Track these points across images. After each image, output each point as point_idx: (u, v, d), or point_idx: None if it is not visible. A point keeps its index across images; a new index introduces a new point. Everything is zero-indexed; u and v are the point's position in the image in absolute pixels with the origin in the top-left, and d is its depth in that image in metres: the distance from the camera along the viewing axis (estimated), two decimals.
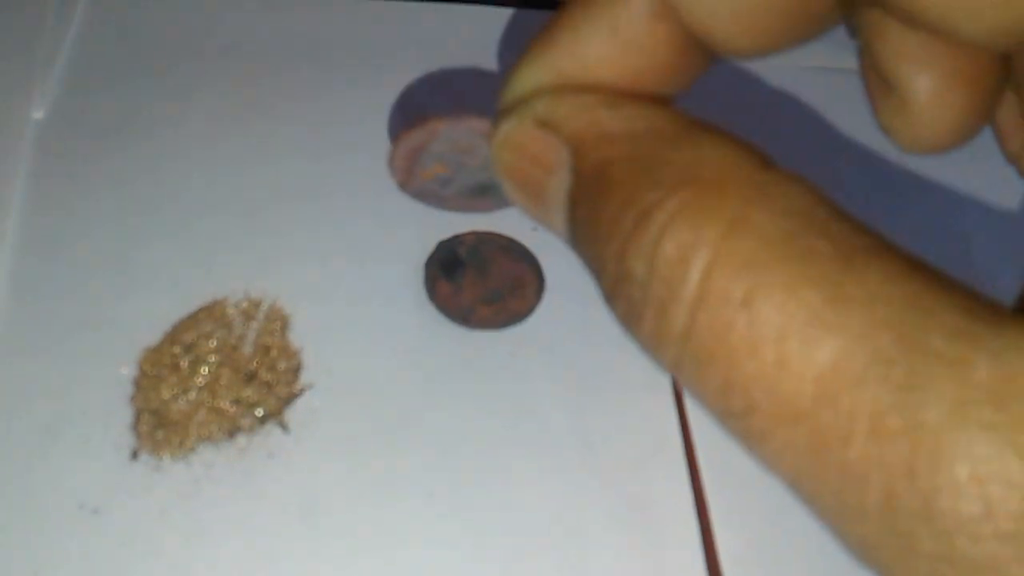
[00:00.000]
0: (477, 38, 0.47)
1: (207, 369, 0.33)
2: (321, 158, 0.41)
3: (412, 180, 0.22)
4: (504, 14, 0.49)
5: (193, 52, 0.45)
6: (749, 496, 0.32)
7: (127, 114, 0.41)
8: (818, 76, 0.47)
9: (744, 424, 0.12)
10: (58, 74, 0.42)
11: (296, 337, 0.35)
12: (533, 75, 0.16)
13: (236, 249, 0.37)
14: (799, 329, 0.11)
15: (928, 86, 0.16)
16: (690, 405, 0.35)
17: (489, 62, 0.47)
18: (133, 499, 0.30)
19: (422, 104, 0.44)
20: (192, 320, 0.34)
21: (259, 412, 0.32)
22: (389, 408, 0.33)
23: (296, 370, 0.34)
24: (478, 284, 0.37)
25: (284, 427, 0.32)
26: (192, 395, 0.32)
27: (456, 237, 0.39)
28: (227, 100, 0.43)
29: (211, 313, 0.35)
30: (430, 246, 0.38)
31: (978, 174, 0.43)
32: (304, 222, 0.39)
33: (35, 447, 0.31)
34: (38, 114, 0.40)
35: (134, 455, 0.31)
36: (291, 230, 0.38)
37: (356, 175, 0.41)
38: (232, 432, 0.32)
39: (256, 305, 0.35)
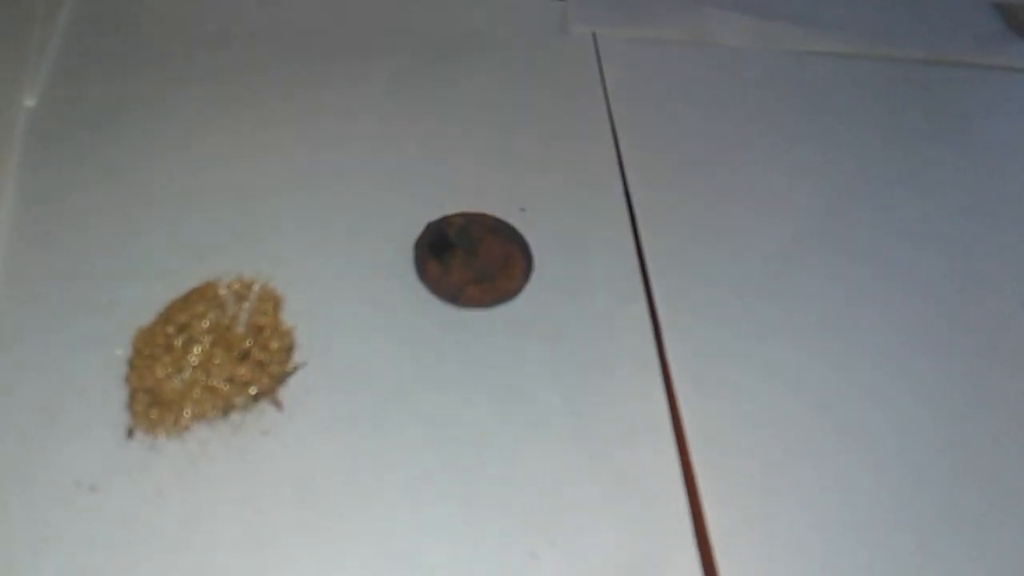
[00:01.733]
0: (507, 28, 0.48)
1: (200, 348, 0.33)
2: (311, 145, 0.41)
3: None
4: (512, 2, 0.49)
5: (184, 40, 0.45)
6: (736, 469, 0.33)
7: (118, 101, 0.42)
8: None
9: None
10: (49, 62, 0.43)
11: (289, 317, 0.35)
12: None
13: (228, 233, 0.38)
14: None
15: None
16: (677, 379, 0.35)
17: (487, 51, 0.47)
18: (130, 477, 0.30)
19: None
20: (185, 301, 0.35)
21: (253, 390, 0.33)
22: (381, 386, 0.34)
23: (289, 349, 0.34)
24: (467, 264, 0.37)
25: (278, 405, 0.33)
26: (186, 374, 0.33)
27: (445, 218, 0.39)
28: (218, 88, 0.43)
29: (203, 294, 0.35)
30: (419, 227, 0.39)
31: None
32: (295, 206, 0.39)
33: (33, 427, 0.31)
34: (30, 102, 0.41)
35: (130, 433, 0.31)
36: (282, 214, 0.39)
37: (346, 159, 0.41)
38: (226, 410, 0.32)
39: (248, 286, 0.36)
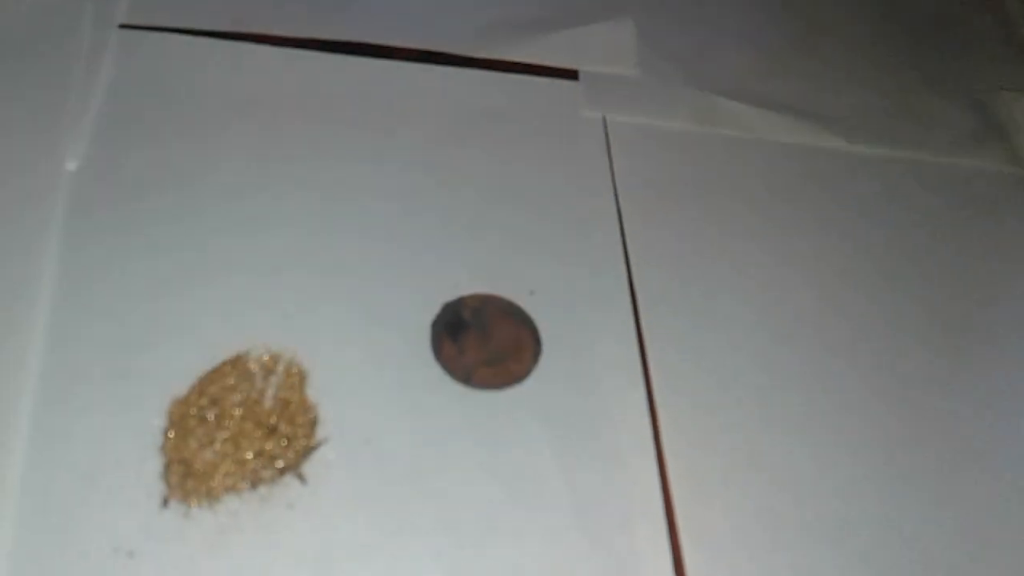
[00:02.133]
0: (523, 108, 0.50)
1: (231, 422, 0.36)
2: (339, 216, 0.44)
3: None
4: (554, 84, 0.52)
5: (219, 104, 0.47)
6: (724, 555, 0.36)
7: (156, 165, 0.44)
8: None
9: None
10: (90, 126, 0.45)
11: (313, 391, 0.38)
12: None
13: (258, 304, 0.40)
14: None
15: None
16: (671, 467, 0.38)
17: (518, 127, 0.50)
18: (165, 544, 0.33)
19: None
20: (217, 373, 0.37)
21: (279, 464, 0.35)
22: (397, 463, 0.36)
23: (313, 424, 0.37)
24: (480, 346, 0.40)
25: (302, 479, 0.35)
26: (218, 446, 0.35)
27: (460, 299, 0.42)
28: (252, 153, 0.46)
29: (235, 366, 0.38)
30: (436, 307, 0.41)
31: None
32: (321, 278, 0.42)
33: (74, 494, 0.34)
34: (71, 166, 0.43)
35: (165, 503, 0.34)
36: (310, 287, 0.41)
37: (371, 235, 0.44)
38: (255, 483, 0.35)
39: (276, 359, 0.38)
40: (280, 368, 0.38)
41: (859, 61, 0.59)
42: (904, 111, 0.56)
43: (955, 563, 0.38)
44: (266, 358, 0.38)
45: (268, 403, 0.37)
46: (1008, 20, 0.66)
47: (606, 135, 0.50)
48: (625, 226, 0.46)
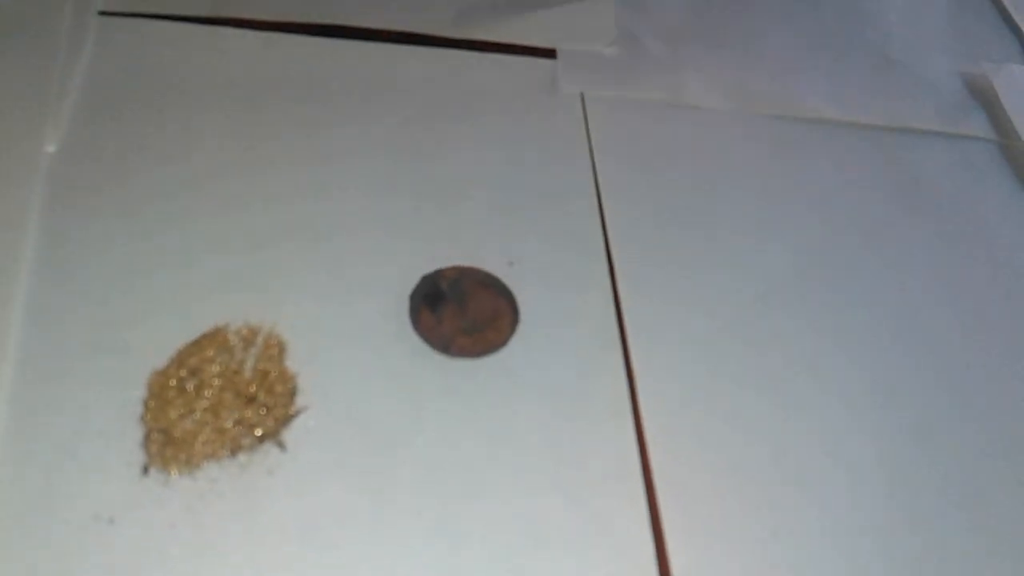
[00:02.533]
0: (501, 87, 0.51)
1: (210, 392, 0.36)
2: (319, 194, 0.44)
3: None
4: (532, 63, 0.53)
5: (199, 87, 0.48)
6: (700, 512, 0.36)
7: (136, 147, 0.45)
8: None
9: None
10: (70, 109, 0.45)
11: (292, 362, 0.38)
12: None
13: (237, 278, 0.41)
14: None
15: None
16: (648, 428, 0.38)
17: (497, 105, 0.50)
18: (145, 511, 0.33)
19: None
20: (196, 345, 0.38)
21: (258, 432, 0.36)
22: (378, 429, 0.37)
23: (292, 393, 0.37)
24: (458, 316, 0.40)
25: (281, 446, 0.36)
26: (197, 415, 0.36)
27: (439, 271, 0.42)
28: (231, 135, 0.46)
29: (214, 339, 0.38)
30: (415, 279, 0.42)
31: None
32: (301, 254, 0.42)
33: (54, 464, 0.34)
34: (51, 148, 0.43)
35: (145, 470, 0.34)
36: (289, 261, 0.42)
37: (347, 209, 0.44)
38: (234, 450, 0.35)
39: (255, 332, 0.39)
40: (259, 340, 0.38)
41: (838, 35, 0.60)
42: (887, 83, 0.57)
43: (940, 511, 0.38)
44: (245, 331, 0.39)
45: (247, 374, 0.37)
46: None
47: (584, 111, 0.51)
48: (603, 198, 0.47)
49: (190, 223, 0.42)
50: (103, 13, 0.50)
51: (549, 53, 0.53)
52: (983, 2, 0.66)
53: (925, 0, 0.65)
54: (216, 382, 0.36)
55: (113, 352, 0.37)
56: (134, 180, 0.43)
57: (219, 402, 0.36)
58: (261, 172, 0.45)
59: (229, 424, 0.36)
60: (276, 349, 0.38)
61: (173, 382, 0.36)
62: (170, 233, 0.42)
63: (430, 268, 0.42)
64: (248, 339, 0.38)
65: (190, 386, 0.36)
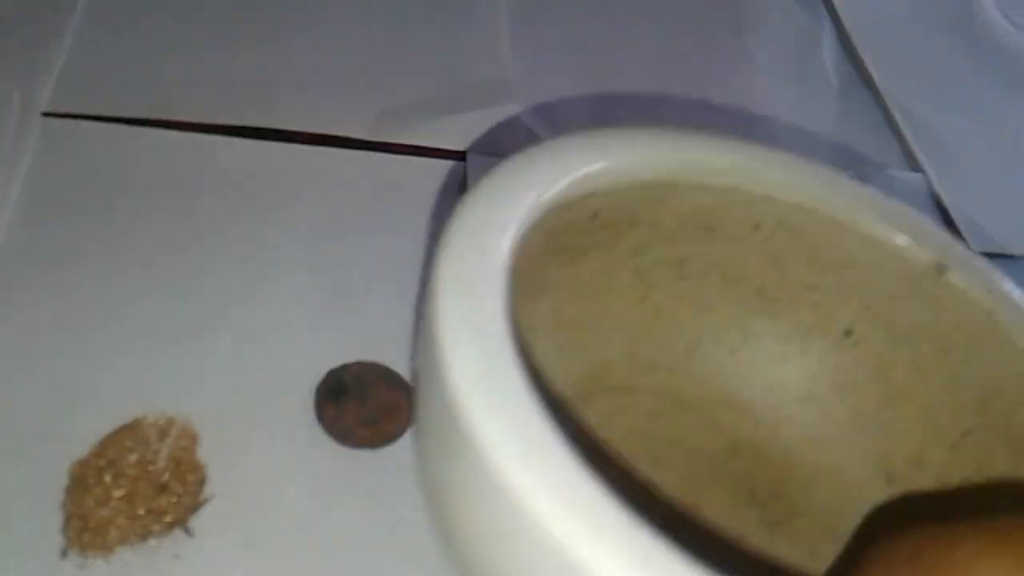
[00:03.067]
0: (414, 188, 0.56)
1: (126, 481, 0.40)
2: (241, 290, 0.49)
3: None
4: (443, 165, 0.57)
5: (138, 185, 0.52)
6: None
7: (75, 240, 0.49)
8: None
9: None
10: (11, 204, 0.49)
11: (204, 452, 0.42)
12: None
13: (159, 370, 0.45)
14: None
15: None
16: None
17: (408, 206, 0.55)
18: None
19: None
20: (115, 437, 0.42)
21: (168, 518, 0.40)
22: (281, 517, 0.41)
23: (201, 482, 0.41)
24: (359, 408, 0.45)
25: (188, 532, 0.40)
26: (113, 503, 0.39)
27: (344, 366, 0.47)
28: (161, 234, 0.50)
29: (132, 431, 0.42)
30: (322, 372, 0.46)
31: None
32: (219, 349, 0.46)
33: None
34: None
35: (64, 554, 0.38)
36: (208, 355, 0.46)
37: (268, 307, 0.48)
38: (145, 536, 0.39)
39: (170, 423, 0.43)
40: (173, 431, 0.42)
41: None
42: None
43: None
44: (162, 421, 0.43)
45: (161, 463, 0.41)
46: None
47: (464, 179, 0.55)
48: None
49: (116, 318, 0.46)
50: (46, 114, 0.54)
51: (460, 155, 0.58)
52: (869, 107, 0.72)
53: (813, 104, 0.71)
54: (131, 472, 0.41)
55: (38, 439, 0.41)
56: (71, 275, 0.47)
57: (134, 491, 0.40)
58: (187, 270, 0.49)
59: (142, 512, 0.40)
60: (189, 440, 0.42)
61: (93, 471, 0.40)
62: (97, 327, 0.46)
63: (337, 363, 0.47)
64: (164, 430, 0.42)
65: (108, 476, 0.40)
